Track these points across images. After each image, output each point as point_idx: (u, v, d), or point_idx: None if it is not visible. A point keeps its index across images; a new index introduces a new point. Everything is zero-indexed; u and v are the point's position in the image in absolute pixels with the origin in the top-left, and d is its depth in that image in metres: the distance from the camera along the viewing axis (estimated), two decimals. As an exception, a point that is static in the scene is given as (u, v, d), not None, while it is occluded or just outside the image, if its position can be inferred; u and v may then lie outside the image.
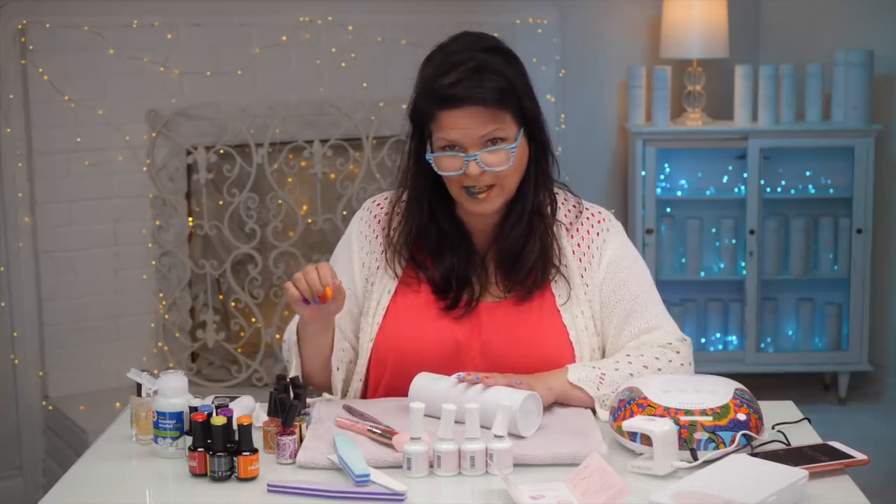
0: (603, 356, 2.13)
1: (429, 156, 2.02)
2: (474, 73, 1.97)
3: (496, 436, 1.75)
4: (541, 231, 2.08)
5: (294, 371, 2.09)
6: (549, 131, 2.09)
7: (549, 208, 2.11)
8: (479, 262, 2.11)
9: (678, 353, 2.09)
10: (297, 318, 2.11)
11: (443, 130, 1.99)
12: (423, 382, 1.98)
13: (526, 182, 2.07)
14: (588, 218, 2.16)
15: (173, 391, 1.85)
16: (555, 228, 2.11)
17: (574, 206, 2.16)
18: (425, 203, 2.09)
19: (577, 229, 2.14)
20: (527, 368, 2.03)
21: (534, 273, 2.08)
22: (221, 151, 3.94)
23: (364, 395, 2.15)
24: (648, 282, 2.16)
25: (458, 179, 2.01)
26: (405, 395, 2.02)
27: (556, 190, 2.14)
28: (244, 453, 1.74)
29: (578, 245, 2.13)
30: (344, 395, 2.14)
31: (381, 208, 2.19)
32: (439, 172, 2.03)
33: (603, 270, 2.12)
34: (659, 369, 2.05)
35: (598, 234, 2.14)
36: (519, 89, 2.01)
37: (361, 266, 2.17)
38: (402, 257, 2.12)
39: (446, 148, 2.00)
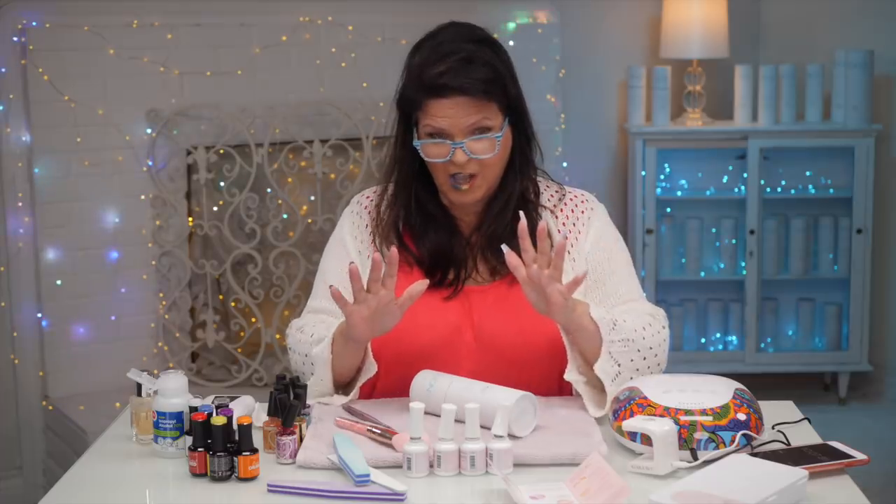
0: None
1: (416, 142, 2.06)
2: (462, 63, 2.02)
3: (496, 436, 1.75)
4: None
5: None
6: (531, 121, 2.13)
7: (532, 193, 2.15)
8: (463, 245, 2.14)
9: (655, 318, 2.10)
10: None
11: (430, 118, 2.03)
12: (423, 381, 1.98)
13: (510, 170, 2.12)
14: (572, 199, 2.20)
15: (173, 391, 1.85)
16: (539, 211, 2.14)
17: (557, 191, 2.21)
18: (412, 187, 2.12)
19: (562, 209, 2.18)
20: (522, 348, 2.07)
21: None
22: (221, 151, 3.94)
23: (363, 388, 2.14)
24: (630, 261, 2.21)
25: (444, 167, 2.05)
26: (403, 383, 2.02)
27: (539, 178, 2.19)
28: (244, 453, 1.74)
29: (563, 224, 2.16)
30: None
31: (371, 200, 2.22)
32: (426, 159, 2.07)
33: (590, 243, 2.16)
34: (644, 327, 2.05)
35: (582, 211, 2.19)
36: (505, 79, 2.06)
37: (358, 255, 2.18)
38: (391, 242, 2.13)
39: (433, 135, 2.04)
